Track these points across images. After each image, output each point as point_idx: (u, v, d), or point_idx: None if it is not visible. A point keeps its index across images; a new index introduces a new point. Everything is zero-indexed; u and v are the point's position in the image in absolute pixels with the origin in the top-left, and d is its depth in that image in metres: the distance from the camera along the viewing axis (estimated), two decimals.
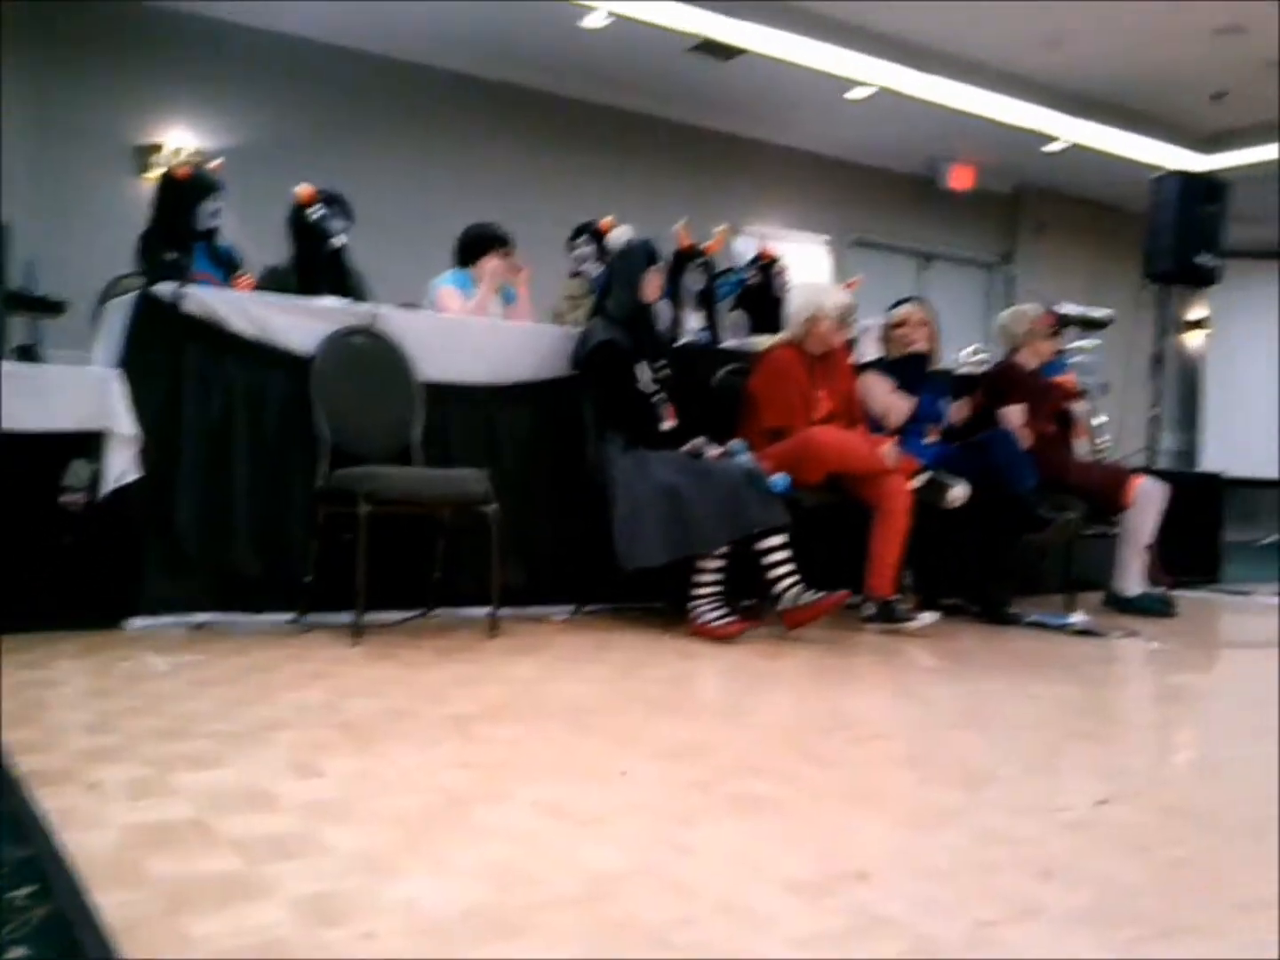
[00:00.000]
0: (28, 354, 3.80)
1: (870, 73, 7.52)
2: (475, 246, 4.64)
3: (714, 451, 3.98)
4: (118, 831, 1.74)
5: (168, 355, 3.62)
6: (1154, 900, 1.68)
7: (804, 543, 4.32)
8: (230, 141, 6.79)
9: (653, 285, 4.27)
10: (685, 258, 5.22)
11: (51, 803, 1.82)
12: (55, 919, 1.42)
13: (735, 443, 4.05)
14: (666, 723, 2.70)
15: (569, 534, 4.23)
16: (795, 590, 3.91)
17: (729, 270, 5.95)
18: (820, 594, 3.89)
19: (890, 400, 4.59)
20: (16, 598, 3.25)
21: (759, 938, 1.49)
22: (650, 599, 4.11)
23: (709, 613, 3.86)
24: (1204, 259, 6.92)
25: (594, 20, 6.76)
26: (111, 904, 1.46)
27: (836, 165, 9.30)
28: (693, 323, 5.26)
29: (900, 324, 4.79)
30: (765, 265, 5.68)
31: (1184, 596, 5.35)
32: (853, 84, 7.68)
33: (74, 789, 1.93)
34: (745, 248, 6.65)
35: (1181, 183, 6.92)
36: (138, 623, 3.48)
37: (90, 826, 1.75)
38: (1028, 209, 10.26)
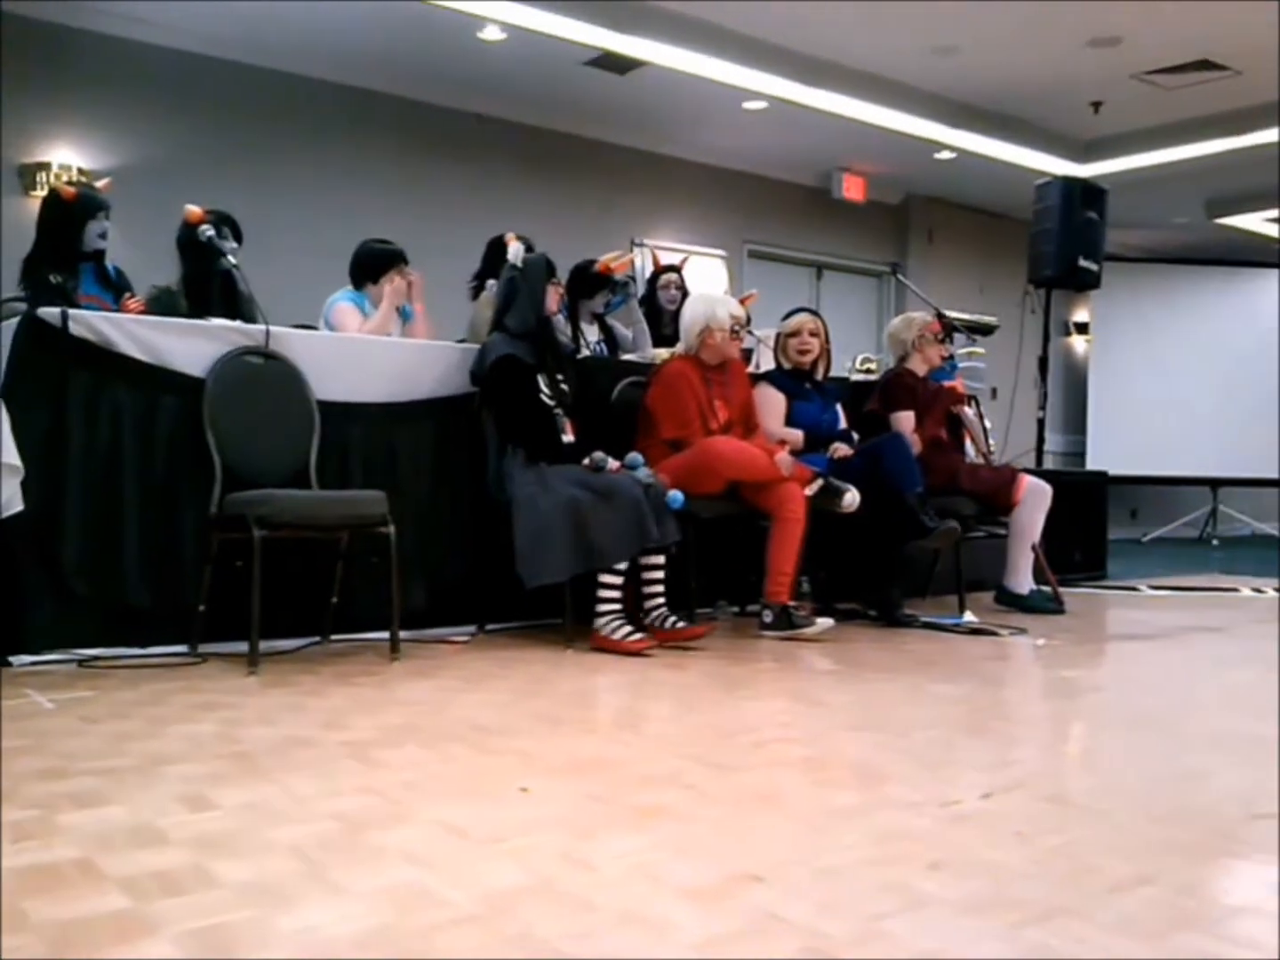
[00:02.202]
0: None
1: (766, 84, 7.62)
2: (373, 265, 4.60)
3: (613, 465, 4.01)
4: (2, 876, 1.70)
5: (53, 381, 3.54)
6: (1033, 886, 1.74)
7: (703, 553, 4.40)
8: (118, 160, 6.64)
9: (552, 299, 4.30)
10: (599, 282, 5.24)
11: None
12: None
13: (633, 455, 4.08)
14: (568, 738, 2.72)
15: (471, 553, 4.23)
16: (663, 612, 4.04)
17: (628, 279, 6.00)
18: (684, 624, 4.02)
19: (783, 434, 4.67)
20: None
21: (656, 945, 1.51)
22: (552, 616, 4.11)
23: (618, 629, 3.88)
24: (1086, 263, 7.15)
25: (491, 33, 6.76)
26: None
27: (734, 177, 9.41)
28: (590, 335, 5.31)
29: (794, 334, 4.88)
30: (653, 277, 5.76)
31: (1072, 593, 5.54)
32: (749, 95, 7.78)
33: None
34: (641, 261, 6.73)
35: (1063, 188, 7.13)
36: (23, 660, 3.39)
37: None
38: (917, 217, 10.49)
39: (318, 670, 3.49)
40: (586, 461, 4.00)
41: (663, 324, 5.63)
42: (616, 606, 3.93)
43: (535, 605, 4.13)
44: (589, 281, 5.24)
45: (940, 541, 4.60)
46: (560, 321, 4.71)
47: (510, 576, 3.87)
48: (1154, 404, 10.66)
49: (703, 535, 4.37)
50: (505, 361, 4.11)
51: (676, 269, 5.85)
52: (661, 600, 4.07)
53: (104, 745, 2.52)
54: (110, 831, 1.92)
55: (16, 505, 3.28)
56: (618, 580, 3.94)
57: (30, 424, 3.41)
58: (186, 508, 3.68)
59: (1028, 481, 5.12)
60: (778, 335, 4.96)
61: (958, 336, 5.91)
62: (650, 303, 5.77)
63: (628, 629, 3.88)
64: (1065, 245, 7.03)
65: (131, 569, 3.60)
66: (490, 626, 4.26)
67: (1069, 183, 7.30)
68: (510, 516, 3.92)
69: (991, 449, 5.77)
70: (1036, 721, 3.24)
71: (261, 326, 3.94)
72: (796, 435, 4.69)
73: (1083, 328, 11.61)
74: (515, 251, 4.37)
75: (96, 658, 3.48)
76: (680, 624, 4.02)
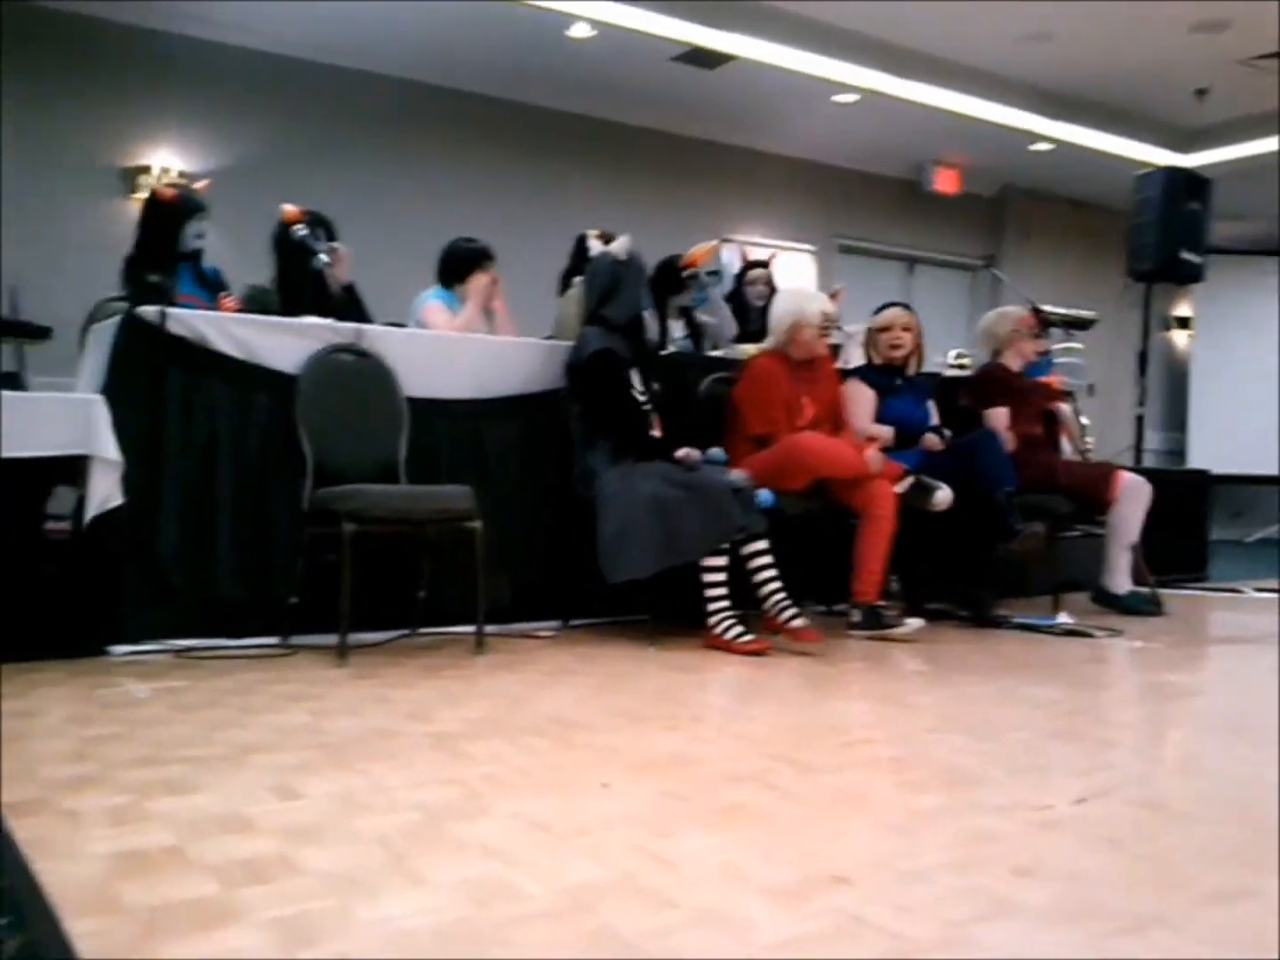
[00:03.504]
0: (11, 381, 3.80)
1: (856, 77, 7.54)
2: (462, 264, 4.64)
3: (695, 456, 3.97)
4: (93, 860, 1.74)
5: (152, 378, 3.62)
6: (1124, 895, 1.69)
7: (789, 552, 4.34)
8: (217, 162, 6.82)
9: (647, 296, 4.29)
10: (682, 272, 5.22)
11: (28, 832, 1.83)
12: (30, 949, 1.42)
13: (715, 451, 4.06)
14: (650, 735, 2.71)
15: (555, 548, 4.24)
16: (781, 601, 3.92)
17: (713, 273, 5.99)
18: (802, 623, 3.89)
19: (872, 430, 4.59)
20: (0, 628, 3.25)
21: (736, 945, 1.50)
22: (636, 612, 4.11)
23: (730, 628, 3.82)
24: (1188, 256, 6.94)
25: (580, 30, 6.78)
26: (86, 932, 1.46)
27: (822, 170, 9.33)
28: (676, 332, 5.30)
29: (885, 329, 4.80)
30: (740, 273, 5.73)
31: (1171, 594, 5.37)
32: (839, 88, 7.71)
33: (51, 818, 1.93)
34: (729, 257, 6.70)
35: (1165, 179, 6.94)
36: (121, 650, 3.48)
37: (66, 855, 1.75)
38: (1013, 210, 10.28)
39: (404, 662, 3.53)
40: (682, 454, 3.97)
41: (750, 320, 5.59)
42: (726, 604, 3.86)
43: (619, 601, 4.12)
44: (676, 277, 5.23)
45: (1025, 545, 4.49)
46: (648, 318, 4.70)
47: (594, 572, 3.87)
48: (1259, 401, 10.29)
49: (789, 533, 4.31)
50: (603, 354, 4.10)
51: (765, 264, 5.81)
52: (775, 587, 3.93)
53: (195, 734, 2.57)
54: (200, 818, 1.96)
55: (116, 499, 3.36)
56: (721, 576, 3.86)
57: (129, 420, 3.49)
58: (278, 502, 3.74)
59: (1125, 478, 4.98)
60: (868, 330, 4.89)
61: (1054, 331, 5.77)
62: (737, 298, 5.73)
63: (741, 629, 3.81)
64: (1166, 237, 6.84)
65: (225, 562, 3.67)
66: (574, 622, 4.27)
67: (1171, 173, 7.10)
68: (595, 512, 3.92)
69: (1089, 446, 5.63)
70: (1132, 726, 3.15)
71: (353, 324, 3.99)
72: (886, 432, 4.61)
73: (1184, 322, 11.28)
74: (622, 245, 4.35)
75: (191, 648, 3.56)
76: (796, 620, 3.89)
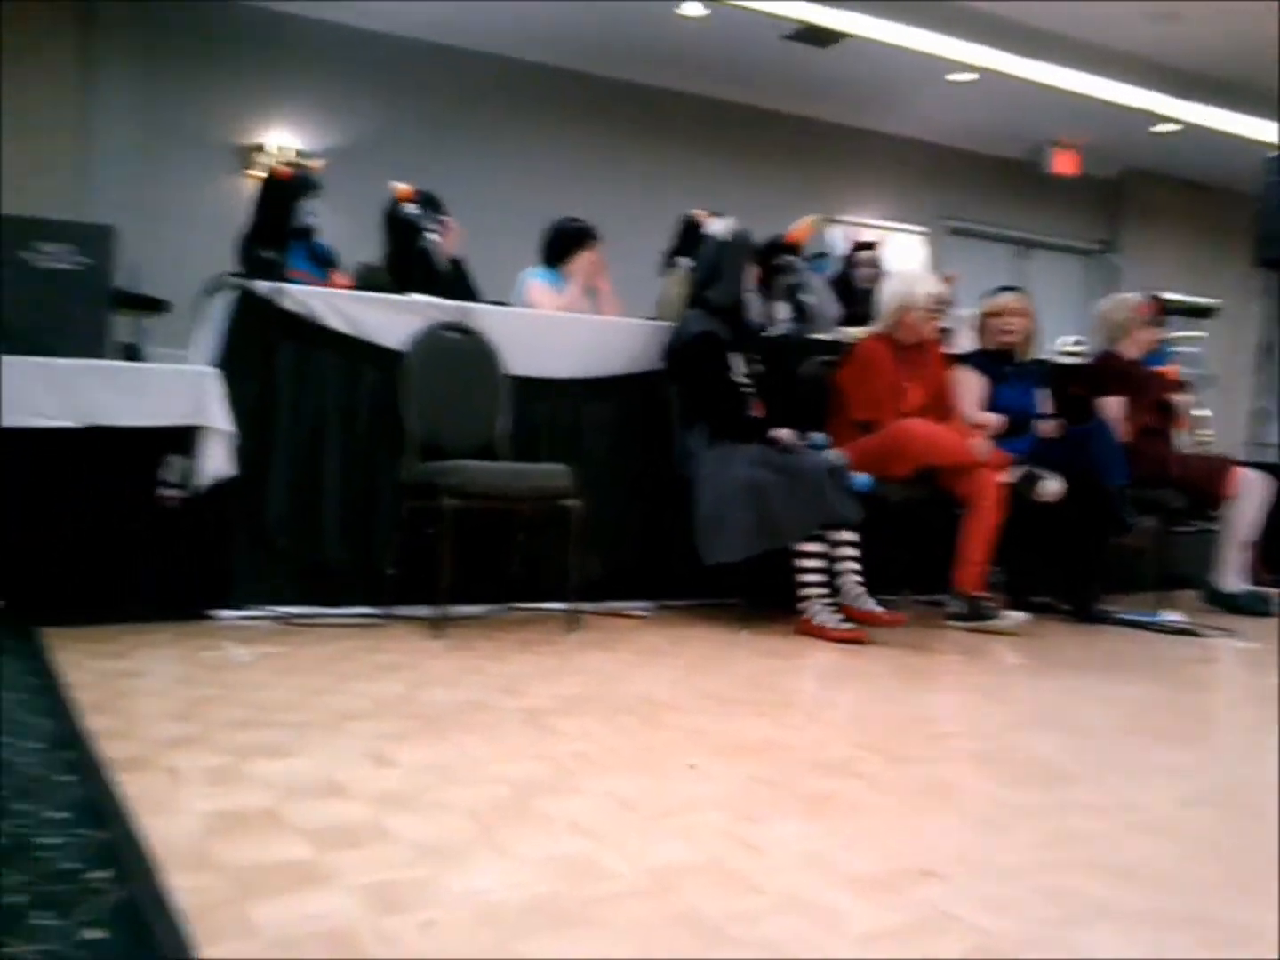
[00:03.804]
0: (130, 352, 3.93)
1: (972, 55, 7.36)
2: (567, 243, 4.66)
3: (798, 444, 3.94)
4: (193, 818, 1.79)
5: (264, 352, 3.72)
6: (1223, 904, 1.63)
7: (890, 538, 4.28)
8: (331, 141, 6.94)
9: (750, 277, 4.26)
10: (787, 250, 5.16)
11: (131, 789, 1.89)
12: (130, 902, 1.47)
13: (818, 436, 4.01)
14: (739, 719, 2.69)
15: (650, 529, 4.25)
16: (858, 590, 3.87)
17: (818, 256, 5.90)
18: (880, 608, 3.82)
19: (980, 418, 4.48)
20: (112, 590, 3.37)
21: (822, 934, 1.48)
22: (729, 596, 4.09)
23: (822, 612, 3.78)
24: None
25: (691, 8, 6.74)
26: (184, 888, 1.51)
27: (935, 151, 9.15)
28: (781, 314, 5.23)
29: (997, 314, 4.69)
30: (849, 255, 5.64)
31: None
32: (954, 66, 7.53)
33: (153, 776, 1.99)
34: (837, 238, 6.60)
35: None
36: (227, 614, 3.58)
37: (167, 812, 1.81)
38: (1133, 193, 9.95)
39: (499, 637, 3.57)
40: (778, 434, 3.93)
41: (856, 302, 5.50)
42: (821, 590, 3.82)
43: (712, 583, 4.09)
44: (779, 256, 5.16)
45: (1138, 540, 4.36)
46: (753, 299, 4.66)
47: (689, 553, 3.86)
48: None
49: (891, 520, 4.25)
50: (704, 337, 4.09)
51: (872, 246, 5.71)
52: (857, 578, 3.91)
53: (294, 699, 2.63)
54: (295, 782, 2.00)
55: (228, 470, 3.46)
56: (816, 563, 3.83)
57: (242, 392, 3.59)
58: (382, 474, 3.82)
59: (1243, 474, 4.80)
60: (979, 314, 4.78)
61: (1174, 319, 5.58)
62: (844, 280, 5.64)
63: (837, 616, 3.76)
64: None
65: (330, 528, 3.76)
66: (666, 603, 4.26)
67: None
68: (691, 493, 3.91)
69: (1208, 439, 5.44)
70: (1238, 729, 3.04)
71: (458, 303, 4.04)
72: (995, 419, 4.50)
73: None
74: (726, 227, 4.32)
75: (293, 615, 3.64)
76: (878, 608, 3.86)
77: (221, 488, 3.47)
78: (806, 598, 3.82)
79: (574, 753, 2.30)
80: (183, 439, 3.50)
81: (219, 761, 2.09)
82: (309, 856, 1.66)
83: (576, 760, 2.24)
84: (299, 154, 6.74)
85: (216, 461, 3.45)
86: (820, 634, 3.74)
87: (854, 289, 5.58)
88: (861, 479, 3.83)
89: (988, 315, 4.72)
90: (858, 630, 3.72)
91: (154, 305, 4.78)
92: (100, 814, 1.77)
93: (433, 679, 2.95)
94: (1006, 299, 4.71)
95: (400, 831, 1.78)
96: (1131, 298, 5.10)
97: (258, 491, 3.65)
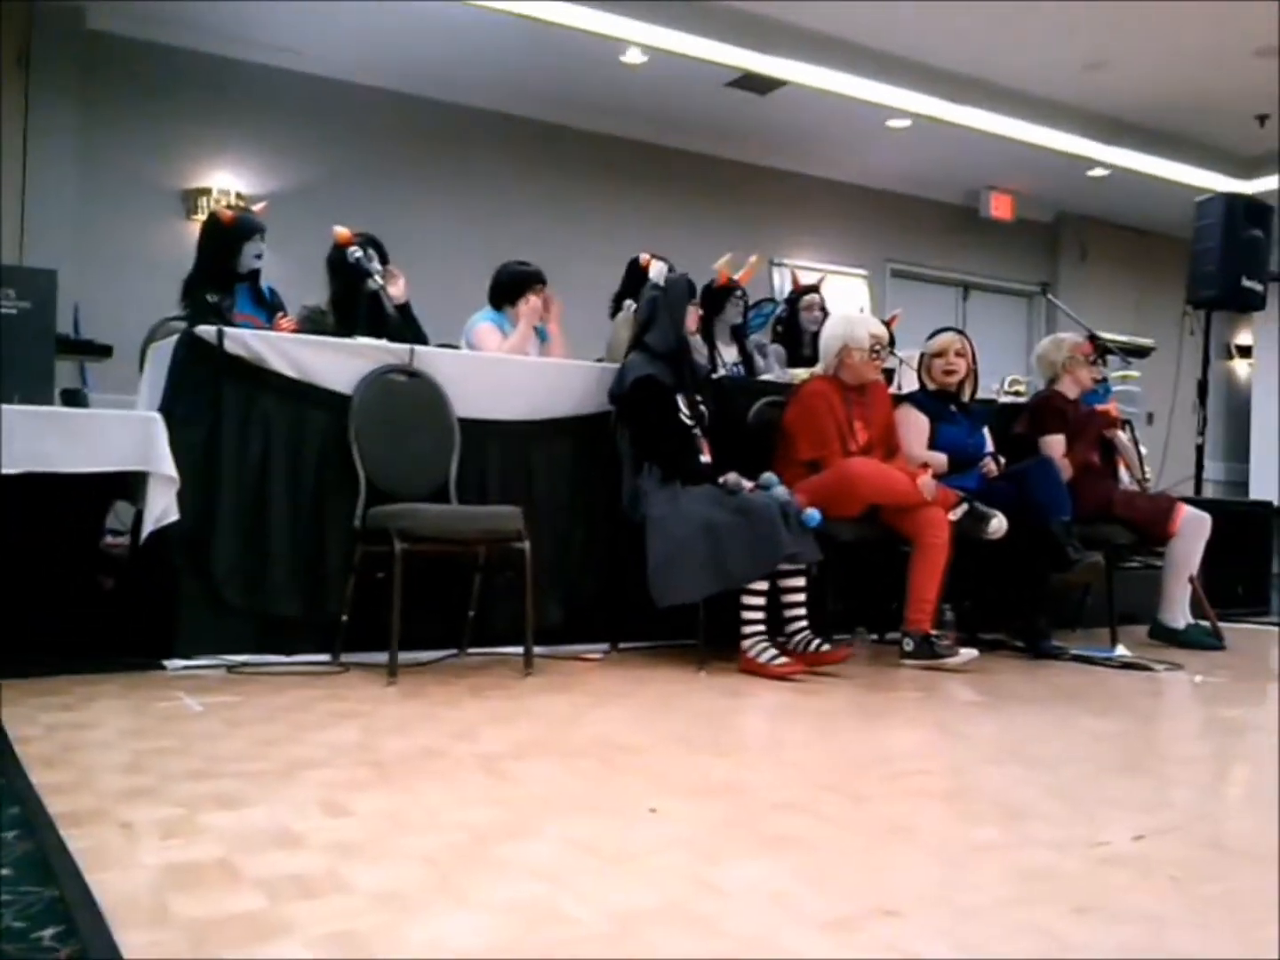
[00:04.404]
0: (73, 397, 3.88)
1: (910, 102, 7.52)
2: (511, 286, 4.67)
3: (747, 485, 3.97)
4: (145, 872, 1.75)
5: (209, 396, 3.67)
6: (1187, 936, 1.64)
7: (840, 579, 4.32)
8: (275, 185, 6.91)
9: (691, 319, 4.29)
10: (724, 293, 5.27)
11: (81, 843, 1.83)
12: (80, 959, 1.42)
13: (767, 475, 4.03)
14: (699, 760, 2.68)
15: (605, 571, 4.24)
16: (805, 635, 3.97)
17: (765, 301, 5.99)
18: (827, 646, 3.94)
19: (925, 457, 4.55)
20: (57, 641, 3.30)
21: None
22: (686, 636, 4.08)
23: (763, 651, 3.83)
24: (1249, 283, 6.83)
25: (633, 56, 6.82)
26: (136, 944, 1.46)
27: (876, 196, 9.30)
28: (728, 356, 5.29)
29: (939, 354, 4.76)
30: (794, 298, 5.73)
31: (1233, 628, 5.25)
32: (893, 113, 7.69)
33: (104, 829, 1.94)
34: (781, 281, 6.69)
35: (1225, 206, 6.83)
36: (176, 664, 3.51)
37: (119, 867, 1.76)
38: (1069, 236, 10.19)
39: (454, 682, 3.53)
40: (723, 479, 3.98)
41: (803, 344, 5.57)
42: (761, 628, 3.88)
43: (669, 625, 4.09)
44: (715, 296, 5.24)
45: (1083, 576, 4.42)
46: (698, 342, 4.70)
47: (644, 595, 3.85)
48: None
49: (842, 559, 4.28)
50: (645, 381, 4.11)
51: (816, 289, 5.79)
52: (803, 623, 3.99)
53: (248, 748, 2.59)
54: (250, 833, 1.96)
55: (172, 515, 3.41)
56: (760, 601, 3.88)
57: (186, 437, 3.55)
58: (331, 520, 3.78)
59: (1185, 511, 4.89)
60: (921, 355, 4.85)
61: (1112, 359, 5.70)
62: (791, 323, 5.72)
63: (774, 652, 3.82)
64: (1227, 265, 6.72)
65: (278, 579, 3.71)
66: (623, 645, 4.25)
67: (1231, 199, 6.99)
68: (645, 535, 3.91)
69: (1147, 476, 5.54)
70: (1193, 761, 3.07)
71: (406, 345, 4.02)
72: (940, 458, 4.56)
73: (1245, 351, 11.10)
74: (659, 271, 4.38)
75: (245, 664, 3.59)
76: (824, 647, 3.94)
77: (168, 534, 3.42)
78: (748, 635, 3.86)
79: (531, 797, 2.27)
80: (128, 485, 3.45)
81: (171, 813, 2.04)
82: (265, 908, 1.62)
83: (534, 805, 2.21)
84: (240, 197, 6.71)
85: (161, 508, 3.40)
86: (761, 671, 3.77)
87: (800, 331, 5.66)
88: (811, 514, 3.85)
89: (931, 356, 4.78)
90: (795, 665, 3.79)
91: (96, 350, 4.73)
92: (48, 870, 1.71)
93: (387, 726, 2.90)
94: (947, 339, 4.78)
95: (357, 881, 1.74)
96: (1070, 338, 5.21)
97: (205, 538, 3.60)
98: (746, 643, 3.85)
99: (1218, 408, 9.80)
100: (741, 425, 4.56)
